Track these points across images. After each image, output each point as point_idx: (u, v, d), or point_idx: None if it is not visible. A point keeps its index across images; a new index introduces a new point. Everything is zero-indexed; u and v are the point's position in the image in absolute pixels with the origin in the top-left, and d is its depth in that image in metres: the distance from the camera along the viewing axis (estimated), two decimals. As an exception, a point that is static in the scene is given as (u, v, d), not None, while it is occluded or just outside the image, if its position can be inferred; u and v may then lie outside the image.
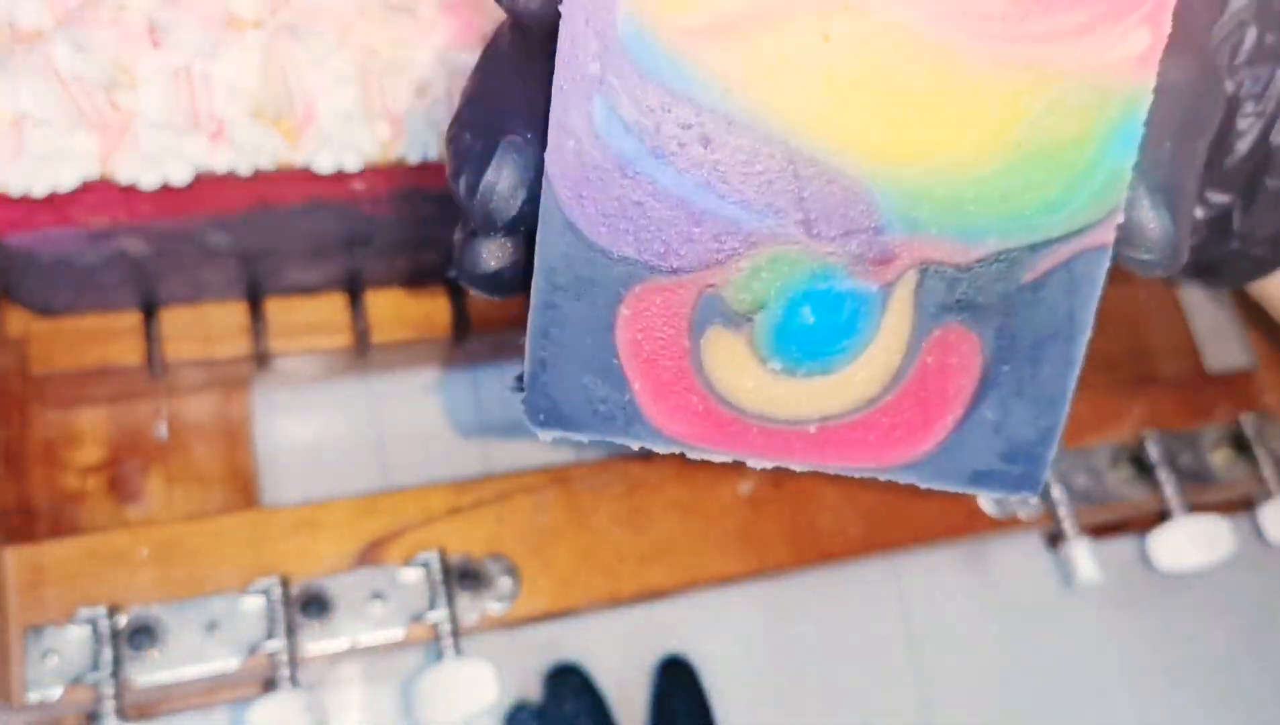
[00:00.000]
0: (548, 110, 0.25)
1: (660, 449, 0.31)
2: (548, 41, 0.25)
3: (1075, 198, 0.27)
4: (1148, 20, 0.26)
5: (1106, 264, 0.27)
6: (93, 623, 0.41)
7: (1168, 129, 0.26)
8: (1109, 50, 0.26)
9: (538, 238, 0.28)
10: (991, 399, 0.29)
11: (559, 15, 0.25)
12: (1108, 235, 0.27)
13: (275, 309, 0.46)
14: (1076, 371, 0.28)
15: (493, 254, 0.29)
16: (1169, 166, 0.26)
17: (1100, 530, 0.57)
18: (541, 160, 0.26)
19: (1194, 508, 0.54)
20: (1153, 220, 0.26)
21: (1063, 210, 0.27)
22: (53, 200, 0.35)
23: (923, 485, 0.30)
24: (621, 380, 0.29)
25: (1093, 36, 0.26)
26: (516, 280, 0.30)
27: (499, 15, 0.37)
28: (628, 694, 0.53)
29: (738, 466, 0.50)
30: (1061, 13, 0.26)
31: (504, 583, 0.46)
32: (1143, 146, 0.26)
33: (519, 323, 0.53)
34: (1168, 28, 0.25)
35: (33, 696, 0.40)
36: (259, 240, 0.41)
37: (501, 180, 0.27)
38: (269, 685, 0.44)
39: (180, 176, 0.35)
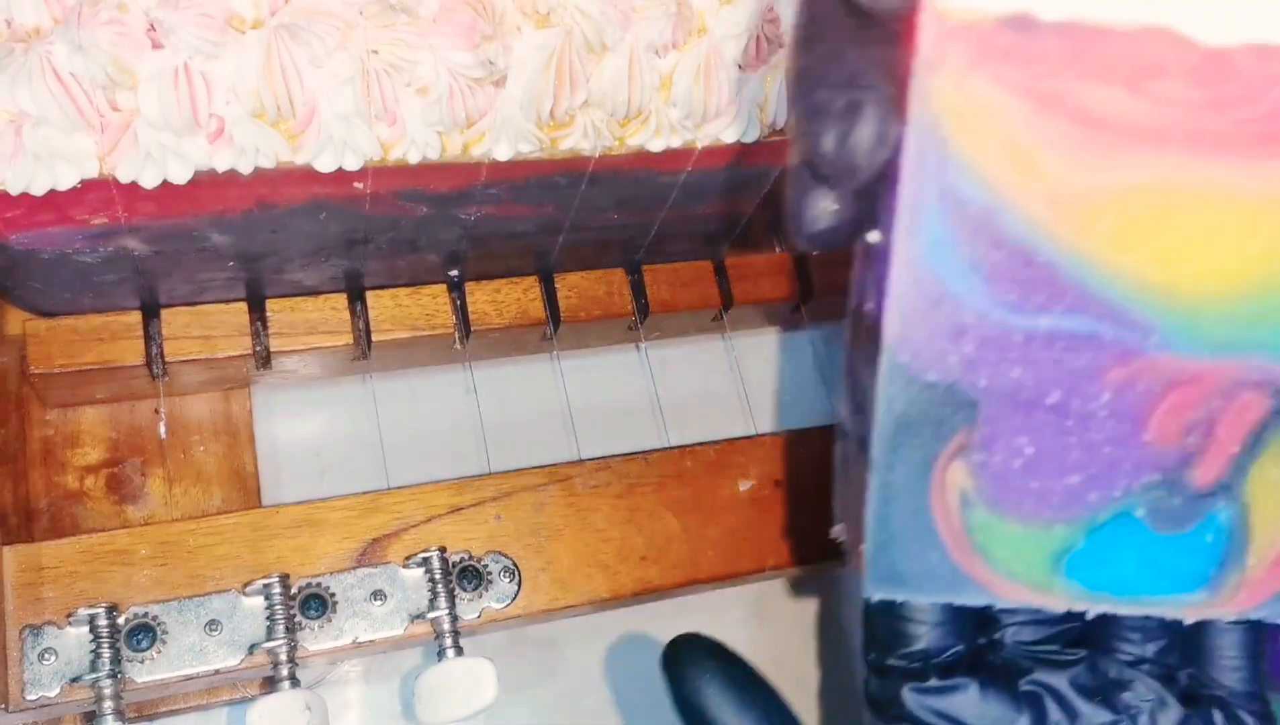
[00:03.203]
0: (894, 68, 0.27)
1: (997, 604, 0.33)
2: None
3: None
4: None
5: None
6: (92, 622, 0.41)
7: None
8: None
9: (879, 391, 0.29)
10: None
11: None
12: None
13: (275, 309, 0.46)
14: None
15: (829, 209, 0.30)
16: None
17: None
18: (895, 115, 0.27)
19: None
20: None
21: None
22: (53, 200, 0.35)
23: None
24: (937, 541, 0.31)
25: None
26: (844, 234, 0.30)
27: (498, 15, 0.37)
28: (628, 694, 0.53)
29: (738, 466, 0.50)
30: None
31: (504, 582, 0.46)
32: None
33: (519, 323, 0.53)
34: None
35: (31, 696, 0.40)
36: (259, 240, 0.41)
37: (865, 134, 0.28)
38: (269, 685, 0.44)
39: (180, 176, 0.35)
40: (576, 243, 0.47)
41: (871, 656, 0.36)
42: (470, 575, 0.45)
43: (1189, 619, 0.33)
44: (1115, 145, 0.27)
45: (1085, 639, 0.36)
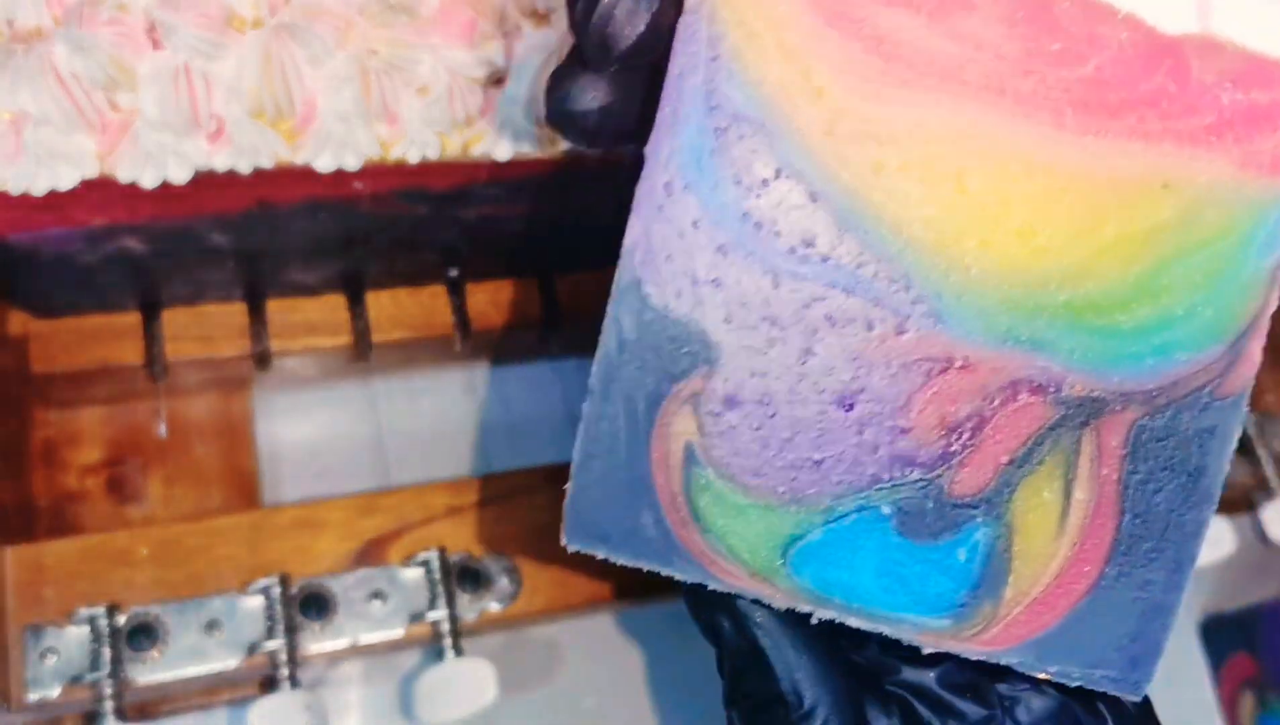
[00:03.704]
0: None
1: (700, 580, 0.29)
2: None
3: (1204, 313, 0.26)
4: None
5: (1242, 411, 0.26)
6: (92, 622, 0.41)
7: None
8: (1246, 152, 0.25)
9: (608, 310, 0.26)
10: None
11: None
12: (1243, 373, 0.26)
13: (275, 309, 0.46)
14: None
15: (590, 89, 0.27)
16: None
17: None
18: None
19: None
20: None
21: (1191, 327, 0.26)
22: (52, 200, 0.35)
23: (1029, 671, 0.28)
24: (654, 501, 0.27)
25: (1226, 140, 0.25)
26: (607, 127, 0.27)
27: (498, 15, 0.37)
28: (628, 694, 0.53)
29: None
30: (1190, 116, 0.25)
31: (504, 582, 0.46)
32: None
33: (520, 323, 0.53)
34: None
35: (32, 696, 0.40)
36: (259, 240, 0.41)
37: (621, 3, 0.25)
38: (269, 685, 0.44)
39: (180, 176, 0.35)
40: (576, 243, 0.47)
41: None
42: (470, 576, 0.45)
43: (926, 649, 0.28)
44: (909, 81, 0.24)
45: None
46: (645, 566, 0.28)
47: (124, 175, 0.35)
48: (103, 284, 0.42)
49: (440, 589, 0.44)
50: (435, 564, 0.45)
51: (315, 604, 0.43)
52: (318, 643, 0.43)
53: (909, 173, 0.25)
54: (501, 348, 0.52)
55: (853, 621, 0.28)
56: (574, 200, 0.43)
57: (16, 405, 0.46)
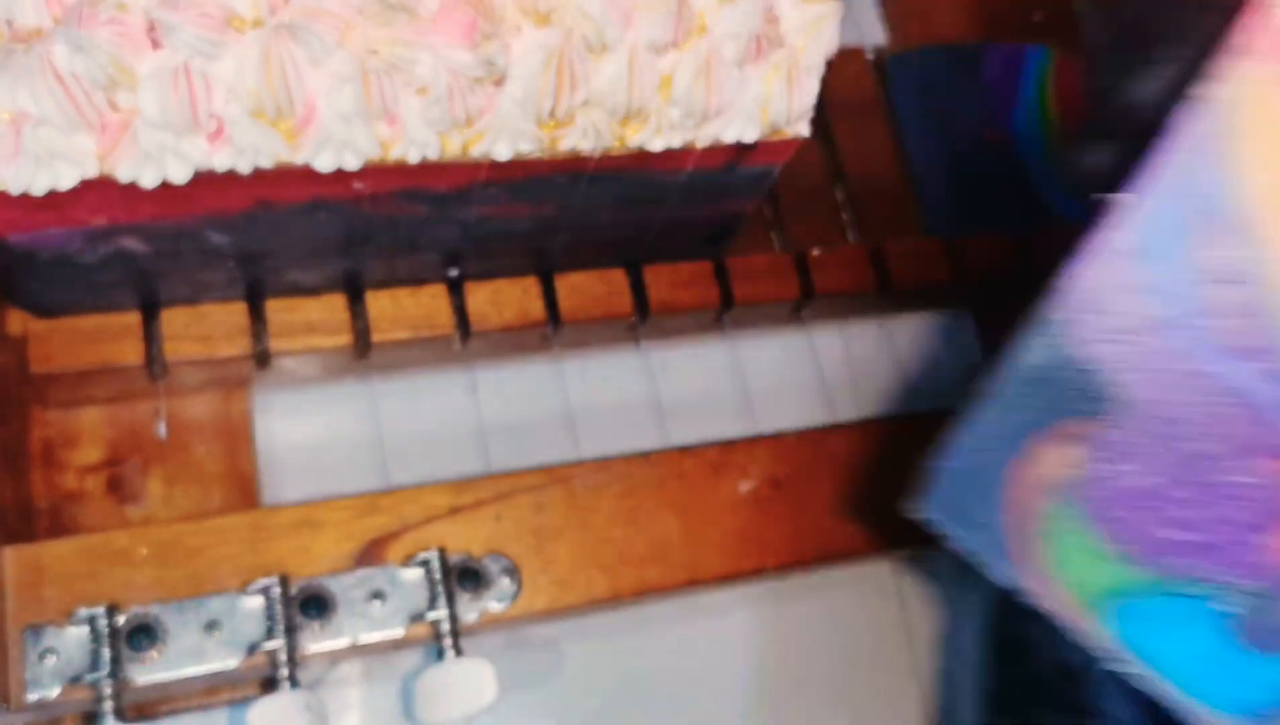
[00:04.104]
0: (1193, 33, 0.26)
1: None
2: None
3: None
4: None
5: None
6: (92, 622, 0.41)
7: None
8: None
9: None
10: None
11: None
12: None
13: (275, 309, 0.46)
14: None
15: (1103, 158, 0.30)
16: None
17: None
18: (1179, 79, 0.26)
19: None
20: None
21: None
22: (52, 200, 0.35)
23: None
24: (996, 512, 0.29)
25: None
26: (1115, 176, 0.28)
27: (498, 15, 0.37)
28: (628, 694, 0.53)
29: (738, 466, 0.50)
30: None
31: (504, 582, 0.46)
32: None
33: (519, 323, 0.53)
34: None
35: (31, 696, 0.40)
36: (259, 240, 0.41)
37: (1152, 90, 0.27)
38: (269, 685, 0.44)
39: (180, 176, 0.35)
40: (576, 243, 0.47)
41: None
42: (470, 576, 0.45)
43: None
44: None
45: None
46: (974, 557, 0.30)
47: (124, 175, 0.35)
48: (102, 284, 0.42)
49: (440, 589, 0.44)
50: (435, 564, 0.45)
51: (315, 604, 0.43)
52: (318, 643, 0.43)
53: None
54: (502, 348, 0.52)
55: (1139, 678, 0.29)
56: (574, 200, 0.43)
57: (16, 405, 0.46)
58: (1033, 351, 0.28)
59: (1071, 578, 0.29)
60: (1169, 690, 0.29)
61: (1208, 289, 0.25)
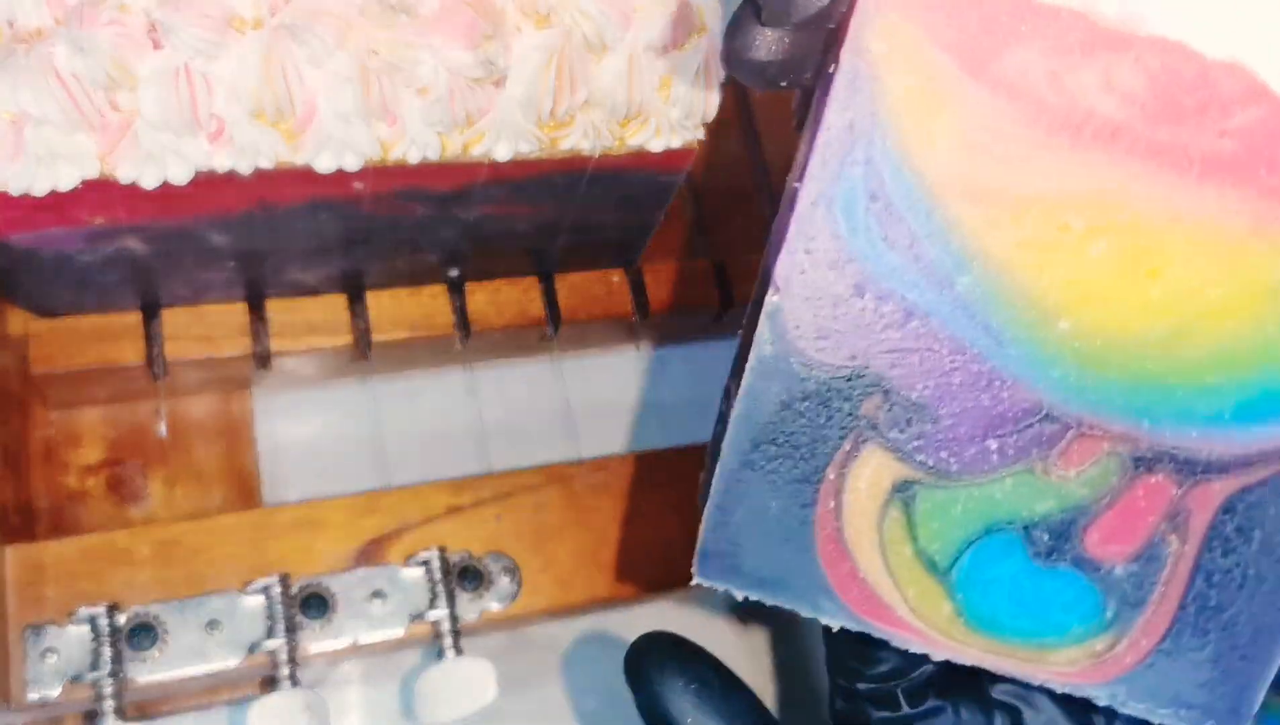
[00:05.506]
0: None
1: (849, 626, 0.30)
2: None
3: None
4: None
5: None
6: (92, 622, 0.41)
7: None
8: None
9: (749, 365, 0.27)
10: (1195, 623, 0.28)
11: None
12: None
13: (275, 309, 0.46)
14: None
15: (768, 44, 0.27)
16: None
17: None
18: None
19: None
20: None
21: None
22: (53, 200, 0.35)
23: (1124, 708, 0.29)
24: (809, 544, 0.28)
25: None
26: (781, 74, 0.28)
27: (498, 15, 0.37)
28: (628, 694, 0.53)
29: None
30: None
31: (504, 582, 0.46)
32: None
33: (520, 323, 0.53)
34: None
35: (32, 695, 0.40)
36: (259, 240, 0.41)
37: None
38: (269, 684, 0.44)
39: (180, 176, 0.35)
40: (576, 243, 0.47)
41: (840, 681, 0.34)
42: (470, 575, 0.45)
43: (1035, 681, 0.30)
44: (1057, 142, 0.24)
45: None
46: (787, 606, 0.29)
47: (124, 175, 0.35)
48: (103, 284, 0.42)
49: (440, 589, 0.44)
50: (435, 564, 0.45)
51: (315, 604, 0.43)
52: (318, 643, 0.43)
53: (1038, 238, 0.25)
54: (502, 347, 0.52)
55: (987, 662, 0.29)
56: (574, 200, 0.43)
57: (16, 405, 0.46)
58: (768, 385, 0.27)
59: (912, 578, 0.28)
60: (1015, 654, 0.29)
61: (899, 251, 0.25)
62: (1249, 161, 0.24)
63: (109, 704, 0.40)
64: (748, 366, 0.27)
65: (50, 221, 0.37)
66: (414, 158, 0.37)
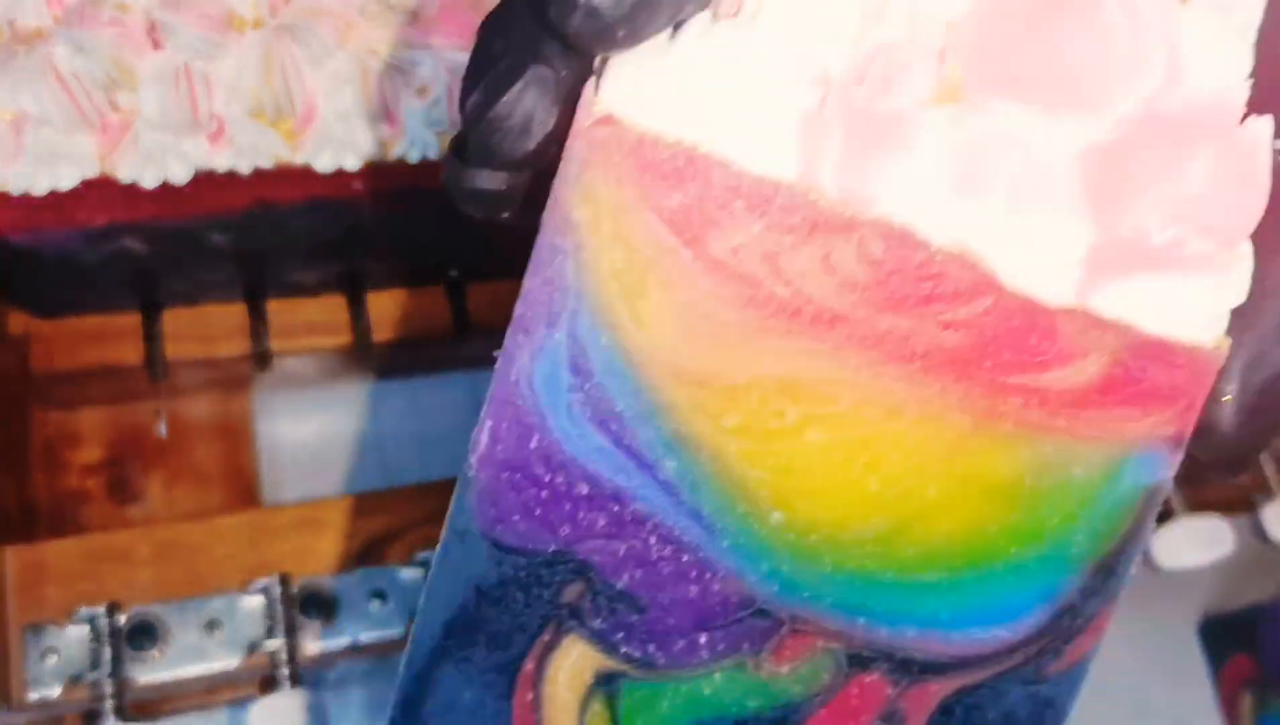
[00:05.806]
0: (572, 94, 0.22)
1: None
2: None
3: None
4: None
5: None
6: (92, 622, 0.41)
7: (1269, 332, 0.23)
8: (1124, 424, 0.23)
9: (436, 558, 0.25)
10: None
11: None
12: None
13: (275, 309, 0.46)
14: None
15: (483, 179, 0.25)
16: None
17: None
18: (567, 98, 0.22)
19: (1194, 507, 0.54)
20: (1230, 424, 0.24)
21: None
22: (53, 200, 0.35)
23: None
24: None
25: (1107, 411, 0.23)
26: (504, 206, 0.26)
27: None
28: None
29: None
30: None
31: (504, 582, 0.46)
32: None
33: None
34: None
35: (33, 695, 0.40)
36: (259, 240, 0.41)
37: (516, 114, 0.23)
38: (269, 685, 0.44)
39: (180, 176, 0.35)
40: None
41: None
42: (470, 575, 0.45)
43: None
44: (773, 326, 0.22)
45: None
46: None
47: (124, 175, 0.35)
48: (103, 284, 0.42)
49: (440, 589, 0.44)
50: (435, 564, 0.45)
51: (315, 604, 0.43)
52: (318, 643, 0.43)
53: (751, 426, 0.23)
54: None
55: None
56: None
57: (17, 405, 0.46)
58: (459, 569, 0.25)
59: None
60: None
61: (605, 434, 0.23)
62: (974, 356, 0.23)
63: (109, 704, 0.40)
64: (441, 541, 0.25)
65: (51, 221, 0.37)
66: (414, 158, 0.37)
